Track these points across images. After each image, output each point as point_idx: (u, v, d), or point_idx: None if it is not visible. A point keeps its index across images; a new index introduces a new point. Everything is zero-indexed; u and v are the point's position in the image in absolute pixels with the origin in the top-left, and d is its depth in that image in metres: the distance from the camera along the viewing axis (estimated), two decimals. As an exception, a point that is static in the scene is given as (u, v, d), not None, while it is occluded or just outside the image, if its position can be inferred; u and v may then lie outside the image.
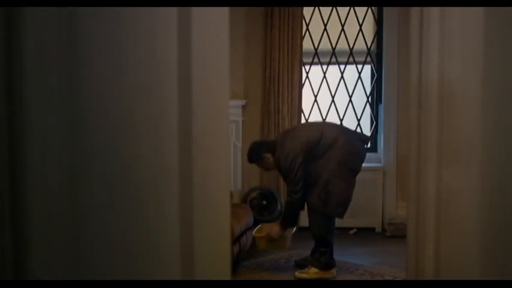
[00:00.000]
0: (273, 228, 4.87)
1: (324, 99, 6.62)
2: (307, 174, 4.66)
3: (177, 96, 1.11)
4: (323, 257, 4.77)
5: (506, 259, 2.27)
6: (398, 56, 6.27)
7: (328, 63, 6.57)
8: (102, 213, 1.01)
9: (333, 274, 4.79)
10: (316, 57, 6.56)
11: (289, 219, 4.84)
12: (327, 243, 4.78)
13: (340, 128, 5.08)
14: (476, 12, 2.22)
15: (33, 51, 0.89)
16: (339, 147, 4.67)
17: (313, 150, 4.66)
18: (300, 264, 4.98)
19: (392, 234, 6.09)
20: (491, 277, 2.27)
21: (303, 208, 4.89)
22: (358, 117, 6.58)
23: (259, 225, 5.10)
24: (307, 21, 6.50)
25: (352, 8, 6.46)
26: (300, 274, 4.81)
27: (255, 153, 4.89)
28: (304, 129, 4.93)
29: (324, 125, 5.12)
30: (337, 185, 4.65)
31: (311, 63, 6.57)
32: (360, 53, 6.54)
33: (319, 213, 4.73)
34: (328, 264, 4.78)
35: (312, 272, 4.78)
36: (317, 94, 6.61)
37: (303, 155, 4.62)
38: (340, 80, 6.57)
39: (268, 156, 4.80)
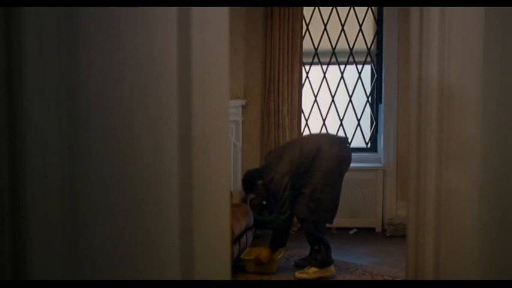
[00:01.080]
0: (262, 252, 4.88)
1: (324, 99, 6.62)
2: (294, 188, 4.71)
3: (177, 97, 1.11)
4: (319, 254, 4.81)
5: (506, 259, 2.27)
6: (398, 56, 6.27)
7: (328, 63, 6.57)
8: (102, 213, 1.01)
9: (331, 272, 4.82)
10: (316, 57, 6.56)
11: (278, 242, 4.88)
12: (319, 241, 4.82)
13: (319, 137, 5.12)
14: (476, 12, 2.22)
15: (32, 51, 0.89)
16: (322, 156, 4.73)
17: (299, 168, 4.73)
18: (300, 264, 5.00)
19: (392, 234, 6.09)
20: (491, 277, 2.27)
21: (291, 227, 4.96)
22: (358, 117, 6.58)
23: (248, 249, 5.12)
24: (307, 21, 6.50)
25: (352, 8, 6.46)
26: (299, 274, 4.82)
27: (249, 184, 4.96)
28: (285, 150, 4.95)
29: (301, 141, 5.14)
30: (324, 192, 4.71)
31: (311, 63, 6.57)
32: (359, 53, 6.54)
33: (307, 220, 4.79)
34: (324, 261, 4.81)
35: (311, 272, 4.80)
36: (317, 94, 6.61)
37: (289, 175, 4.69)
38: (340, 80, 6.57)
39: (262, 183, 4.86)
